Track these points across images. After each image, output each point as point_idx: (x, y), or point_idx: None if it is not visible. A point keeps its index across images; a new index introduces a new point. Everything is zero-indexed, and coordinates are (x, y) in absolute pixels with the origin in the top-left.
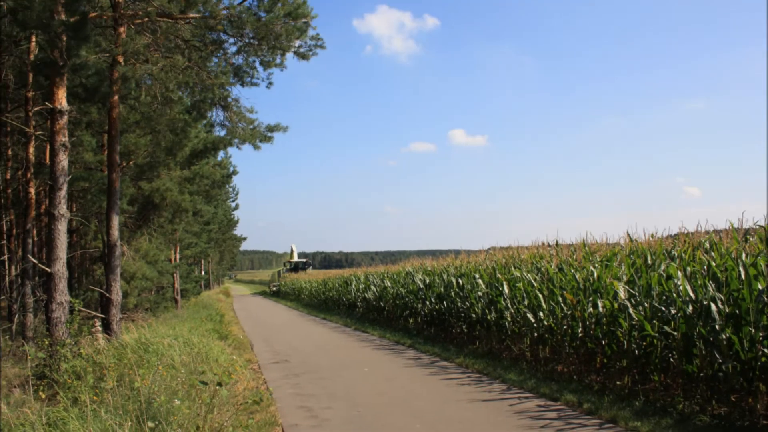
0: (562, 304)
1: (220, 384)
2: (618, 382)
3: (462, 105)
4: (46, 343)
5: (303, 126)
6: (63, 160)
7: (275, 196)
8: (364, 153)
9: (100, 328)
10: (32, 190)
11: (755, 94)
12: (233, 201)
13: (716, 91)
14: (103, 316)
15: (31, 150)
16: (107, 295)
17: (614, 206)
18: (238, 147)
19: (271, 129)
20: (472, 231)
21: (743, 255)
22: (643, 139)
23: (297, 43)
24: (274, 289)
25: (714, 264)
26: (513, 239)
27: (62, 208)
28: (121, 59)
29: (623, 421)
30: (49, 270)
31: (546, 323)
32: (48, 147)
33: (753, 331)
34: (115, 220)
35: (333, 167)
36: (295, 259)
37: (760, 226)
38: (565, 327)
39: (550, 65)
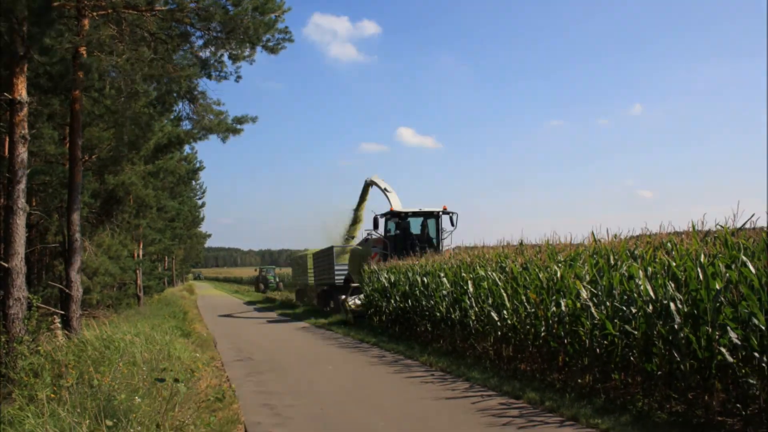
0: (525, 303)
1: (177, 380)
2: (579, 381)
3: (408, 107)
4: (3, 339)
5: (258, 126)
6: (22, 152)
7: (240, 194)
8: (318, 154)
9: (59, 325)
10: None
11: (688, 101)
12: (200, 198)
13: (651, 98)
14: (62, 312)
15: None
16: (67, 291)
17: (572, 208)
18: (206, 138)
19: (240, 120)
20: None
21: (701, 256)
22: (588, 142)
23: (266, 36)
24: (354, 306)
25: (674, 264)
26: (478, 239)
27: (21, 202)
28: (83, 50)
29: (584, 418)
30: (6, 265)
31: (510, 322)
32: (6, 139)
33: (710, 330)
34: (76, 215)
35: (290, 168)
36: (398, 207)
37: (721, 227)
38: (528, 326)
39: (485, 72)
